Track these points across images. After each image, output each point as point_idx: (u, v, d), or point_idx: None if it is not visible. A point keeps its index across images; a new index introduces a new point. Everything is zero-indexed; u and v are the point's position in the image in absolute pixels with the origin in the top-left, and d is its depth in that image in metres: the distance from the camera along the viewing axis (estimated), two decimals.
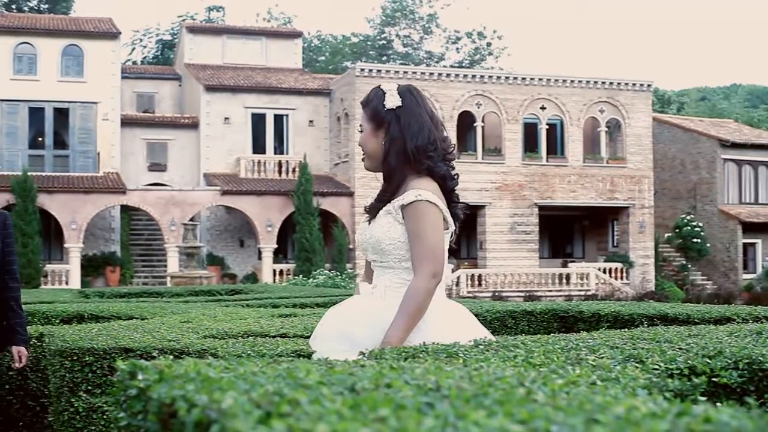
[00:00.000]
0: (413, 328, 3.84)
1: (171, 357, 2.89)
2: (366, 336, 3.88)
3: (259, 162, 46.26)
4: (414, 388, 1.86)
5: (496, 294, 41.39)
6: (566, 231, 51.01)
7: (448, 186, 4.14)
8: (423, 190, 3.98)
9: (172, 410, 1.79)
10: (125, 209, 44.18)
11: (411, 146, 4.06)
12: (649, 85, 48.54)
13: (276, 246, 43.22)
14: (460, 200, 4.27)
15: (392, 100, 4.12)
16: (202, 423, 1.62)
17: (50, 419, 7.28)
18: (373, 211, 4.18)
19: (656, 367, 3.05)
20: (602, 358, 3.29)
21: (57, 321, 9.52)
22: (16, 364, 6.24)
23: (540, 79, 46.68)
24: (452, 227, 4.15)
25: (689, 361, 3.11)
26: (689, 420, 1.51)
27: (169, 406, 1.82)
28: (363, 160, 4.33)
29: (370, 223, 4.18)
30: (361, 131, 4.24)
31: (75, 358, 5.56)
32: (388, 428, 1.42)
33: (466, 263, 46.50)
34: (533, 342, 3.91)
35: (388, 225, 4.07)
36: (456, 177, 4.21)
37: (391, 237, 4.05)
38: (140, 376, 2.14)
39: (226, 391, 1.76)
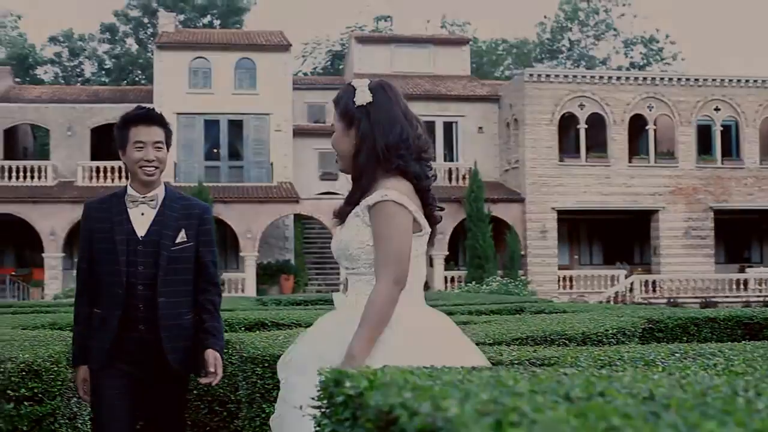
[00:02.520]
0: (377, 338, 3.54)
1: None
2: (340, 354, 3.53)
3: None
4: (628, 397, 1.84)
5: (671, 300, 40.60)
6: (743, 235, 49.58)
7: (423, 185, 3.88)
8: (390, 190, 3.75)
9: (391, 418, 1.81)
10: (298, 218, 44.87)
11: (381, 144, 3.86)
12: None
13: (447, 253, 43.14)
14: (437, 201, 3.98)
15: (362, 97, 3.92)
16: (425, 431, 1.63)
17: (239, 424, 7.46)
18: (342, 215, 3.98)
19: None
20: None
21: (241, 328, 9.74)
22: (209, 371, 5.03)
23: (713, 80, 45.55)
24: (426, 229, 3.90)
25: None
26: None
27: (387, 413, 1.84)
28: (337, 161, 4.15)
29: (341, 229, 3.95)
30: (334, 131, 4.06)
31: (266, 365, 5.67)
32: None
33: (639, 269, 45.75)
34: (730, 350, 3.83)
35: (356, 228, 3.84)
36: (433, 176, 3.96)
37: (359, 241, 3.81)
38: (347, 384, 2.17)
39: (445, 399, 1.77)
